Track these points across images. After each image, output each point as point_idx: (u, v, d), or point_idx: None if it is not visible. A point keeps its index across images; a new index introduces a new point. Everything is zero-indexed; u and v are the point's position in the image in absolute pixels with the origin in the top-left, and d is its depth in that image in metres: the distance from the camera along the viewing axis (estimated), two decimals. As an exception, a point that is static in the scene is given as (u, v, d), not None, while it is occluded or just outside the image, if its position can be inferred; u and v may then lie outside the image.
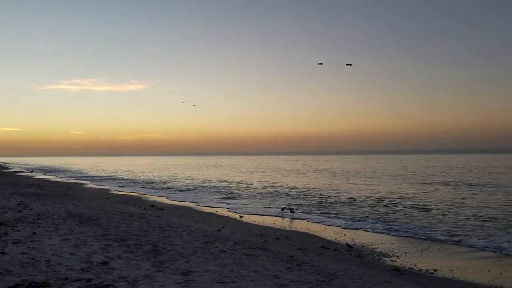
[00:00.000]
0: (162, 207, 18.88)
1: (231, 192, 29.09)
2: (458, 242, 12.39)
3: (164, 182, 40.00)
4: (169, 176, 50.33)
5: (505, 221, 15.60)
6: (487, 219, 16.01)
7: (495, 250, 11.41)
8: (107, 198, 22.70)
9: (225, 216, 17.55)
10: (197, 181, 40.28)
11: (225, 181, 40.51)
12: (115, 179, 46.86)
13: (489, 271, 9.21)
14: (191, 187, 33.72)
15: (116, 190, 31.34)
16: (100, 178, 48.27)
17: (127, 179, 45.53)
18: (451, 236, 13.22)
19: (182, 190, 31.44)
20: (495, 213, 17.46)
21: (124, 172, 62.82)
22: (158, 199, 24.94)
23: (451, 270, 9.24)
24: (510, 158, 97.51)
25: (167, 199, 24.97)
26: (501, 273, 9.03)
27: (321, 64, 21.69)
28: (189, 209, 20.03)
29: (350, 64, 22.41)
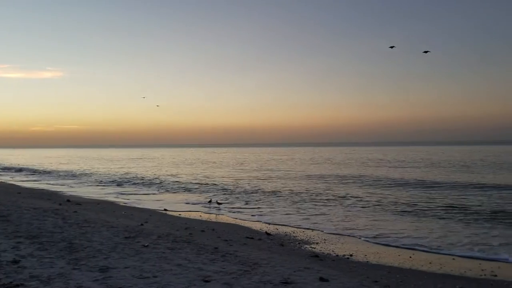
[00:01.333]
0: (79, 202, 17.92)
1: (159, 184, 28.53)
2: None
3: (85, 175, 38.12)
4: (89, 169, 47.95)
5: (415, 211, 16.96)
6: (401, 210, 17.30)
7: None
8: (19, 192, 21.10)
9: (149, 210, 17.13)
10: (121, 174, 38.83)
11: (152, 173, 39.51)
12: (28, 171, 43.67)
13: (399, 255, 9.96)
14: (114, 181, 32.45)
15: (29, 184, 29.22)
16: (10, 171, 44.71)
17: (41, 172, 42.67)
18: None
19: (103, 184, 30.17)
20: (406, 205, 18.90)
21: (38, 164, 58.68)
22: (75, 193, 23.67)
23: (365, 255, 9.87)
24: (419, 151, 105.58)
25: (86, 193, 23.77)
26: (410, 257, 9.81)
27: (393, 47, 19.97)
28: (110, 203, 19.24)
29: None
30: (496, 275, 8.21)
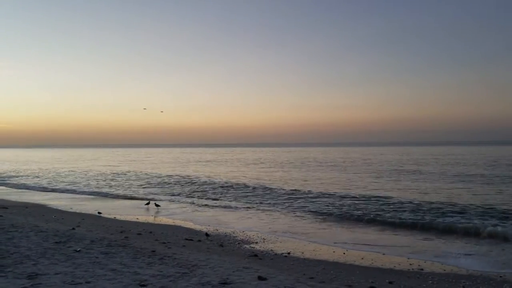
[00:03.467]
0: (5, 206, 16.75)
1: (95, 186, 27.34)
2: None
3: (17, 177, 35.67)
4: (23, 170, 44.87)
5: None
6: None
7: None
8: None
9: (82, 214, 16.35)
10: (53, 176, 36.74)
11: (89, 175, 37.77)
12: None
13: (334, 252, 10.32)
14: (41, 184, 30.65)
15: None
16: None
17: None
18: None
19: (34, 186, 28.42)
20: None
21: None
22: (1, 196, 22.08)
23: (303, 252, 10.14)
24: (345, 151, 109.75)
25: (15, 197, 22.24)
26: (344, 253, 10.21)
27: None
28: (40, 206, 18.15)
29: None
30: (422, 269, 8.77)
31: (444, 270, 8.69)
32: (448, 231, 12.61)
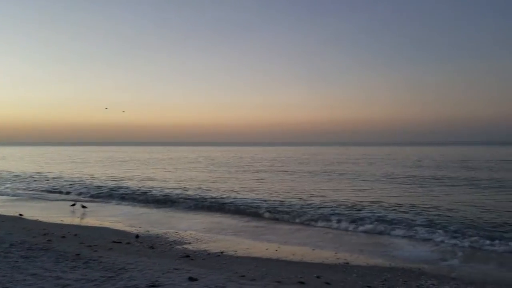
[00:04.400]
0: None
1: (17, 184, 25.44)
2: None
3: None
4: None
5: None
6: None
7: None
8: None
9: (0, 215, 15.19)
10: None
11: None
12: None
13: (267, 249, 10.49)
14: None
15: None
16: None
17: None
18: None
19: None
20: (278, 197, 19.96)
21: None
22: None
23: (236, 251, 10.19)
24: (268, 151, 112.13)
25: None
26: (276, 250, 10.41)
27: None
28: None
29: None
30: (348, 263, 9.19)
31: (368, 264, 9.17)
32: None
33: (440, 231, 12.04)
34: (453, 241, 11.09)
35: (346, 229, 13.03)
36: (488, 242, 10.78)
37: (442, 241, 11.18)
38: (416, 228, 12.48)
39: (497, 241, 10.75)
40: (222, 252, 10.00)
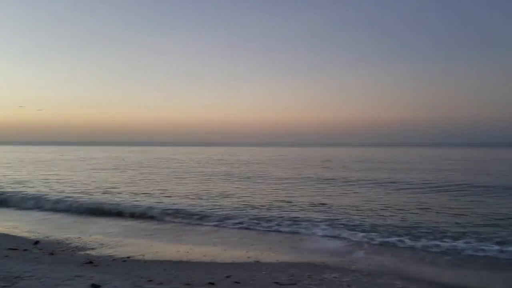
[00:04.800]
0: None
1: None
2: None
3: None
4: None
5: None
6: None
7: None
8: None
9: None
10: None
11: None
12: None
13: (178, 251, 10.33)
14: None
15: None
16: None
17: None
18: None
19: None
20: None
21: None
22: None
23: (143, 255, 9.88)
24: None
25: None
26: (187, 252, 10.30)
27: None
28: None
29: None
30: (258, 261, 9.40)
31: (277, 260, 9.46)
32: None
33: (346, 228, 12.73)
34: (357, 237, 11.80)
35: (257, 229, 13.26)
36: (387, 238, 11.62)
37: (347, 237, 11.84)
38: (323, 225, 13.09)
39: (395, 237, 11.61)
40: (129, 257, 9.64)
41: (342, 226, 13.07)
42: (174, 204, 17.74)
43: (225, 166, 46.17)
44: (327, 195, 20.89)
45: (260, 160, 59.21)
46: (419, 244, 10.92)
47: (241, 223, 13.82)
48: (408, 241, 11.17)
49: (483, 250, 10.18)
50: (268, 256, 9.93)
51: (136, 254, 9.96)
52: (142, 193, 21.38)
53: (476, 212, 15.43)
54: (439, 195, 20.69)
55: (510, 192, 21.50)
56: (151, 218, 15.17)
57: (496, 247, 10.28)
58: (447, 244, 10.74)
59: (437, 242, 10.90)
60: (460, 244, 10.67)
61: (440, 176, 30.52)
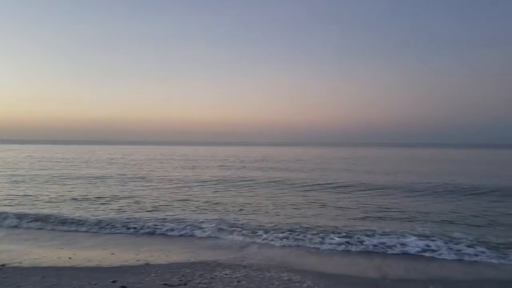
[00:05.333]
0: None
1: None
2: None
3: None
4: None
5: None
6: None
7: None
8: None
9: None
10: None
11: None
12: None
13: (59, 257, 9.60)
14: None
15: None
16: None
17: None
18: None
19: None
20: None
21: None
22: None
23: (21, 262, 9.02)
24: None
25: None
26: (70, 258, 9.62)
27: None
28: None
29: None
30: (148, 263, 9.15)
31: (168, 261, 9.30)
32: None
33: (236, 227, 12.97)
34: (248, 235, 12.07)
35: (148, 231, 12.80)
36: (278, 234, 12.08)
37: (239, 236, 12.05)
38: (214, 225, 13.14)
39: (280, 234, 12.11)
40: (3, 265, 8.72)
41: (233, 225, 13.27)
42: (58, 206, 16.47)
43: (115, 166, 44.10)
44: (219, 195, 20.96)
45: (153, 160, 57.62)
46: (306, 239, 11.57)
47: (134, 228, 13.15)
48: (295, 237, 11.76)
49: (360, 243, 11.13)
50: (159, 258, 9.72)
51: (12, 261, 9.05)
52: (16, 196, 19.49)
53: (355, 207, 16.90)
54: (324, 193, 22.05)
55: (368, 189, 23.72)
56: (39, 222, 13.88)
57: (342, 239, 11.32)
58: (327, 238, 11.54)
59: (319, 237, 11.66)
60: (336, 238, 11.52)
61: (322, 175, 32.45)
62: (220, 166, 43.58)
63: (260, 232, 12.29)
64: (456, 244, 10.76)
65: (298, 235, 11.90)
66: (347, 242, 11.12)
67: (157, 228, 12.96)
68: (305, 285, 7.67)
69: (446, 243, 10.83)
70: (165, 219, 14.20)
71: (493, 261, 9.64)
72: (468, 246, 10.55)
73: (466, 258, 9.87)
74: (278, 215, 15.32)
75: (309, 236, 11.77)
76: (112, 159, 56.21)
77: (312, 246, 11.05)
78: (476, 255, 10.01)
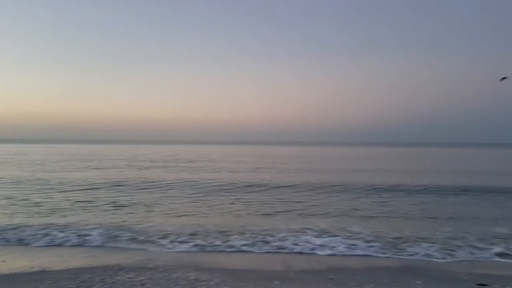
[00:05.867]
0: None
1: None
2: None
3: None
4: None
5: None
6: None
7: None
8: None
9: None
10: None
11: None
12: None
13: None
14: None
15: None
16: None
17: None
18: None
19: None
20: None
21: None
22: None
23: None
24: None
25: None
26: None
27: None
28: None
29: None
30: (44, 270, 8.49)
31: (67, 267, 8.73)
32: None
33: (138, 233, 12.25)
34: (152, 237, 11.64)
35: (45, 239, 11.59)
36: (175, 239, 11.76)
37: (141, 241, 11.43)
38: (103, 229, 12.50)
39: (183, 237, 11.72)
40: None
41: (129, 229, 12.63)
42: None
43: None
44: (121, 197, 20.12)
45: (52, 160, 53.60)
46: (208, 241, 11.39)
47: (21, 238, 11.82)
48: (199, 240, 11.59)
49: (266, 242, 11.32)
50: (57, 264, 9.06)
51: None
52: None
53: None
54: (229, 194, 22.13)
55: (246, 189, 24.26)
56: None
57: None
58: (232, 240, 11.53)
59: (221, 239, 11.72)
60: (241, 241, 11.62)
61: (231, 175, 32.56)
62: (129, 166, 41.68)
63: (163, 235, 11.90)
64: (355, 239, 11.53)
65: (202, 237, 11.66)
66: (252, 243, 11.13)
67: (52, 235, 11.88)
68: (212, 283, 7.68)
69: (345, 238, 11.55)
70: (59, 224, 13.18)
71: (386, 252, 10.49)
72: (366, 241, 11.33)
73: (359, 252, 10.53)
74: (179, 217, 14.98)
75: (210, 239, 11.49)
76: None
77: (217, 247, 10.89)
78: (371, 246, 10.80)
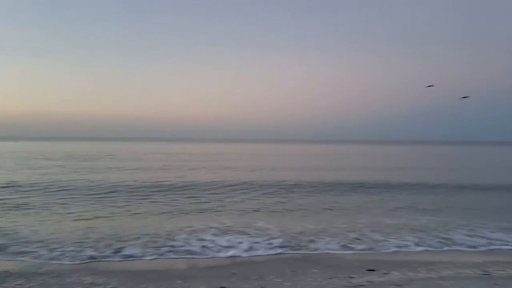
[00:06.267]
0: None
1: None
2: None
3: None
4: None
5: None
6: None
7: None
8: None
9: None
10: None
11: None
12: None
13: None
14: None
15: None
16: None
17: None
18: None
19: None
20: None
21: None
22: None
23: None
24: None
25: None
26: None
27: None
28: None
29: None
30: None
31: None
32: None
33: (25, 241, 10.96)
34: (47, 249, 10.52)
35: None
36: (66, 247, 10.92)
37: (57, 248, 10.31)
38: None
39: (69, 247, 11.06)
40: None
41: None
42: None
43: None
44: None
45: None
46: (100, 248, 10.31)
47: None
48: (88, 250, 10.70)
49: (170, 246, 11.07)
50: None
51: None
52: None
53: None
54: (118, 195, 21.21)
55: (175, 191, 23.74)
56: None
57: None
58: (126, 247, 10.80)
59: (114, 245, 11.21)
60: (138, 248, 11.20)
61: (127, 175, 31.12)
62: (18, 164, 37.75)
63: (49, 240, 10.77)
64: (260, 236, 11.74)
65: (93, 246, 10.36)
66: (155, 247, 10.40)
67: None
68: (109, 286, 7.33)
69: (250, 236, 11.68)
70: None
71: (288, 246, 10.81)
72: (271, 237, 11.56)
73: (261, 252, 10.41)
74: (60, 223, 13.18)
75: (102, 245, 10.40)
76: None
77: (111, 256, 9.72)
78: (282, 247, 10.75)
